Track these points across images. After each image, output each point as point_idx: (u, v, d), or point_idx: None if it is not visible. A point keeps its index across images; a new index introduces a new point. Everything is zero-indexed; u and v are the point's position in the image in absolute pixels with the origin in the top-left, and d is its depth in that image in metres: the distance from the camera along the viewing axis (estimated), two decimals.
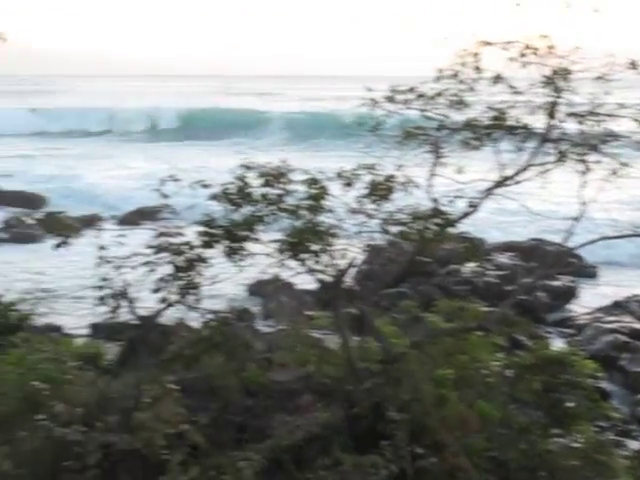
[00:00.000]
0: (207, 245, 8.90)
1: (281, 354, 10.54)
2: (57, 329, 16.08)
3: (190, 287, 8.89)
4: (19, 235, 28.24)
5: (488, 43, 9.40)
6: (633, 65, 9.04)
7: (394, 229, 9.18)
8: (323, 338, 11.04)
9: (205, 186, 9.11)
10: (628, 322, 20.36)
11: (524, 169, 9.47)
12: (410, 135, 9.62)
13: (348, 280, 9.88)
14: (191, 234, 9.00)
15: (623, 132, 9.53)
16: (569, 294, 23.29)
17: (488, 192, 9.51)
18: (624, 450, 14.31)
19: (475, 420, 8.93)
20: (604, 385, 15.98)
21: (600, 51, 9.32)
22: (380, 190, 9.10)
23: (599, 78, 9.14)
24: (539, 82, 9.41)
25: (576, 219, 9.42)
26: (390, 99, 9.58)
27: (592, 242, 9.77)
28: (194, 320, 10.33)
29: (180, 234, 8.94)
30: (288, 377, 9.84)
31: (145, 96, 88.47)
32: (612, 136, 9.29)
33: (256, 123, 66.48)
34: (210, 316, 9.55)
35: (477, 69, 9.40)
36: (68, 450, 8.00)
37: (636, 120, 9.15)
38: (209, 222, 8.95)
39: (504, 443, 8.90)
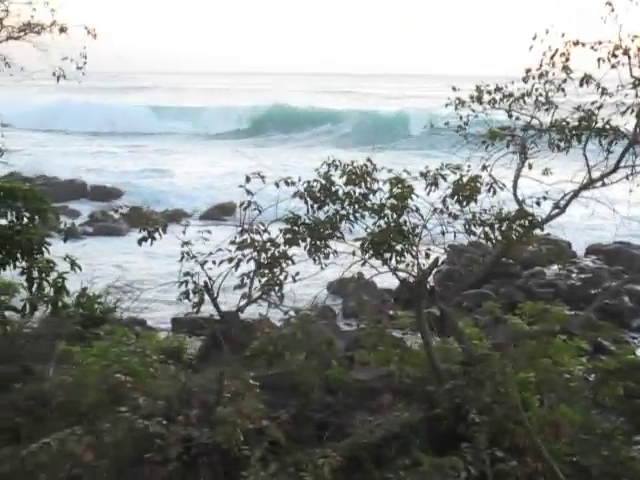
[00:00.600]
0: (291, 242, 8.92)
1: (362, 353, 10.55)
2: (141, 323, 16.30)
3: (273, 284, 8.93)
4: (104, 229, 28.71)
5: (577, 43, 9.28)
6: None
7: (478, 230, 9.11)
8: (404, 338, 11.03)
9: (289, 183, 9.13)
10: None
11: (612, 171, 9.34)
12: (496, 135, 9.55)
13: (430, 280, 9.83)
14: (275, 231, 9.04)
15: None
16: None
17: (575, 194, 9.39)
18: None
19: (566, 425, 8.82)
20: None
21: None
22: (465, 190, 9.04)
23: None
24: (629, 83, 9.26)
25: None
26: (477, 99, 9.52)
27: None
28: (276, 317, 10.39)
29: (264, 231, 8.98)
30: (369, 376, 9.84)
31: (220, 93, 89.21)
32: None
33: (336, 121, 66.44)
34: (292, 313, 9.59)
35: (566, 69, 9.29)
36: (150, 442, 8.10)
37: None
38: (293, 220, 8.97)
39: (586, 448, 8.78)
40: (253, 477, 7.82)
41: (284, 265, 8.89)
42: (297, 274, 9.01)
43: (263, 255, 8.84)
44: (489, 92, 9.50)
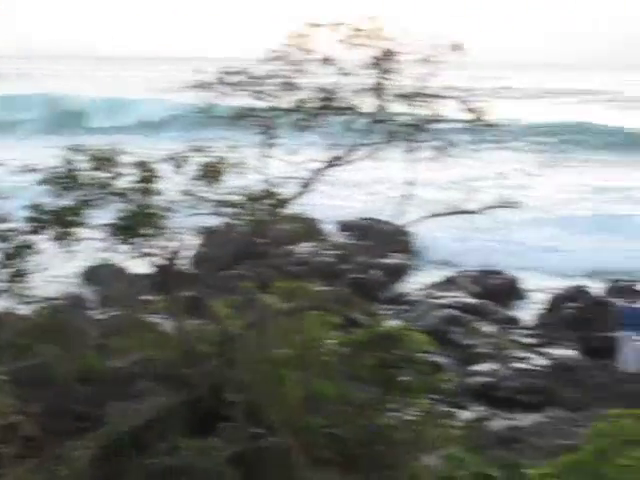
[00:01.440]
0: (35, 231, 8.66)
1: (118, 340, 10.40)
2: None
3: (19, 274, 8.65)
4: None
5: (317, 25, 9.44)
6: (457, 48, 9.24)
7: (228, 211, 9.16)
8: (160, 322, 10.94)
9: (31, 170, 8.86)
10: (459, 297, 21.00)
11: (355, 149, 9.58)
12: (241, 117, 9.59)
13: (184, 263, 9.81)
14: (19, 220, 8.76)
15: (449, 114, 9.70)
16: (402, 271, 23.81)
17: (321, 172, 9.58)
18: (456, 420, 14.76)
19: (299, 399, 9.00)
20: (437, 358, 16.41)
21: (426, 33, 9.47)
22: (211, 172, 9.05)
23: (425, 60, 9.30)
24: (367, 64, 9.50)
25: (406, 198, 9.60)
26: (220, 81, 9.52)
27: (422, 219, 9.98)
28: (25, 308, 10.08)
29: (6, 220, 8.69)
30: (125, 363, 9.72)
31: None
32: (438, 116, 9.48)
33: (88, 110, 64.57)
34: (42, 304, 9.34)
35: (306, 51, 9.44)
36: None
37: (461, 101, 9.35)
38: (37, 207, 8.71)
39: (342, 420, 9.02)
40: (10, 475, 7.59)
41: (30, 254, 8.64)
42: (46, 262, 8.78)
43: (6, 245, 8.56)
44: (233, 74, 9.53)
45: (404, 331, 10.99)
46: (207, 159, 9.11)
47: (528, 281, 23.57)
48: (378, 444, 8.94)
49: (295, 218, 10.88)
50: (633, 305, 18.16)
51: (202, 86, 9.48)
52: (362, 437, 8.94)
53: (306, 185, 9.54)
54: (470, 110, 9.37)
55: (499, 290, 22.54)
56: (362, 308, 15.13)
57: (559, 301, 20.94)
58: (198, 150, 9.14)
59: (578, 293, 21.16)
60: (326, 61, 9.47)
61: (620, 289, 22.09)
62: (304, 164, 9.51)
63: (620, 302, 19.79)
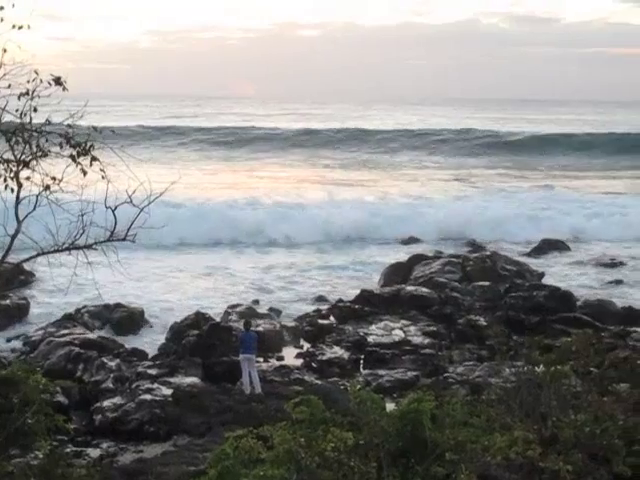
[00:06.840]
0: None
1: None
2: None
3: None
4: None
5: None
6: (58, 82, 9.06)
7: None
8: None
9: None
10: (80, 333, 20.66)
11: None
12: None
13: None
14: None
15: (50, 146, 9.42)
16: (22, 311, 23.13)
17: None
18: (84, 459, 14.52)
19: None
20: (61, 398, 16.05)
21: (25, 66, 9.19)
22: None
23: (25, 94, 9.07)
24: None
25: (15, 236, 9.30)
26: None
27: (32, 257, 9.73)
28: None
29: None
30: None
31: None
32: (42, 151, 9.24)
33: None
34: None
35: None
36: None
37: (64, 137, 9.15)
38: None
39: None
40: None
41: None
42: None
43: None
44: None
45: (23, 374, 10.70)
46: None
47: (150, 311, 23.63)
48: None
49: None
50: (249, 329, 18.70)
51: None
52: None
53: None
54: (75, 146, 9.15)
55: (122, 322, 22.46)
56: None
57: (181, 329, 21.19)
58: None
59: (199, 320, 21.52)
60: None
61: (240, 314, 22.82)
62: None
63: (238, 327, 20.39)
